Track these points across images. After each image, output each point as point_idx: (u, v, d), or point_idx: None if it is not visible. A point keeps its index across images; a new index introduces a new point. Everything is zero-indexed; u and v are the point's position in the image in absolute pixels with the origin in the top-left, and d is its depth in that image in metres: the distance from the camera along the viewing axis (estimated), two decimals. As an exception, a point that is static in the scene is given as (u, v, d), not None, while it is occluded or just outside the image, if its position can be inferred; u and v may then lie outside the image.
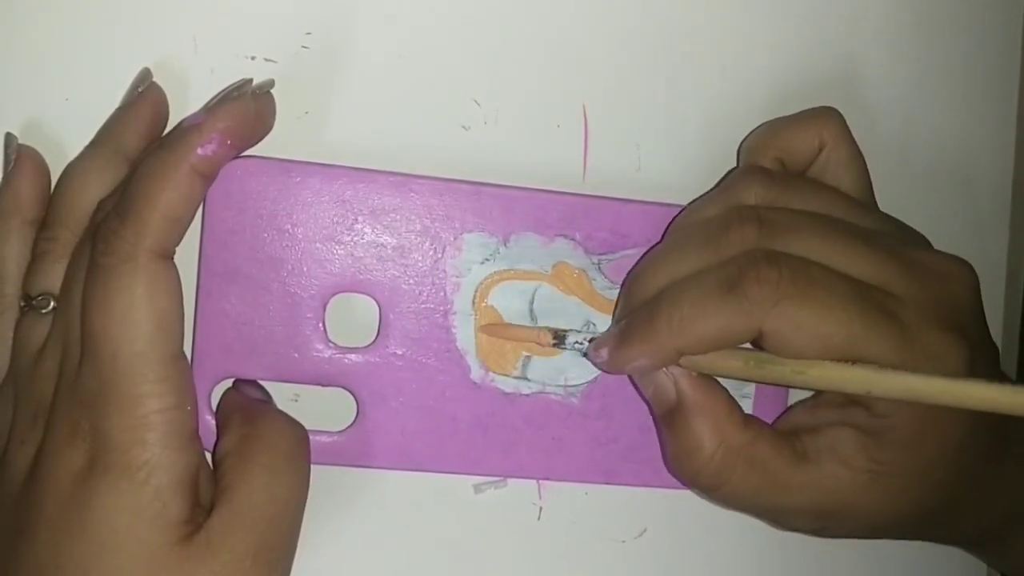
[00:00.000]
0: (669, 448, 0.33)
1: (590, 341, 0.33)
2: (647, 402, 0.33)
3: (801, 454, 0.32)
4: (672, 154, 0.37)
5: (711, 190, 0.34)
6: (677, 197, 0.36)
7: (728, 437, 0.31)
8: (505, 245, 0.35)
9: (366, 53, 0.35)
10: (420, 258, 0.34)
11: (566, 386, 0.35)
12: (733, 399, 0.32)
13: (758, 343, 0.31)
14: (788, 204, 0.32)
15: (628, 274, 0.34)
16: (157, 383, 0.29)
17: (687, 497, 0.36)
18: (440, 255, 0.34)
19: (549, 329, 0.34)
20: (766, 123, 0.36)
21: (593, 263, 0.35)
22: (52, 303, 0.31)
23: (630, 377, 0.35)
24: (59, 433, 0.29)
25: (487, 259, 0.35)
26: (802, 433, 0.32)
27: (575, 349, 0.34)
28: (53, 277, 0.31)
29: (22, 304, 0.32)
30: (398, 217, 0.34)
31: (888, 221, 0.34)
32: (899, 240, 0.33)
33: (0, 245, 0.32)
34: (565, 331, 0.34)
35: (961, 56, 0.39)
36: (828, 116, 0.35)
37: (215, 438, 0.32)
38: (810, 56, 0.38)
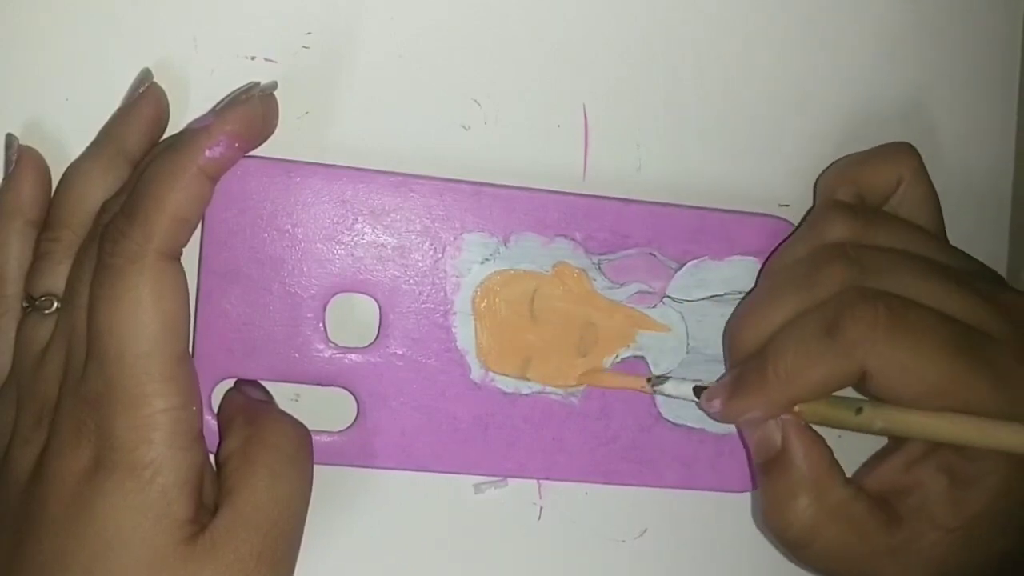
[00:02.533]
0: (763, 498, 0.32)
1: (699, 388, 0.34)
2: (747, 451, 0.33)
3: (894, 517, 0.31)
4: (672, 154, 0.37)
5: (797, 228, 0.34)
6: (677, 197, 0.36)
7: (826, 492, 0.31)
8: (505, 245, 0.35)
9: (366, 53, 0.35)
10: (420, 258, 0.34)
11: (566, 386, 0.35)
12: (834, 457, 0.32)
13: (863, 387, 0.31)
14: (873, 240, 0.32)
15: (728, 323, 0.35)
16: (163, 383, 0.29)
17: (687, 497, 0.37)
18: (440, 255, 0.34)
19: (647, 377, 0.35)
20: (843, 158, 0.36)
21: (593, 263, 0.35)
22: (55, 303, 0.31)
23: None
24: (64, 433, 0.29)
25: (487, 259, 0.35)
26: (892, 495, 0.32)
27: (678, 396, 0.34)
28: (56, 278, 0.31)
29: (24, 305, 0.32)
30: (398, 217, 0.34)
31: (969, 260, 0.34)
32: (984, 279, 0.33)
33: (1, 246, 0.32)
34: (665, 377, 0.35)
35: (960, 56, 0.39)
36: (906, 152, 0.35)
37: (216, 439, 0.32)
38: (810, 55, 0.38)
